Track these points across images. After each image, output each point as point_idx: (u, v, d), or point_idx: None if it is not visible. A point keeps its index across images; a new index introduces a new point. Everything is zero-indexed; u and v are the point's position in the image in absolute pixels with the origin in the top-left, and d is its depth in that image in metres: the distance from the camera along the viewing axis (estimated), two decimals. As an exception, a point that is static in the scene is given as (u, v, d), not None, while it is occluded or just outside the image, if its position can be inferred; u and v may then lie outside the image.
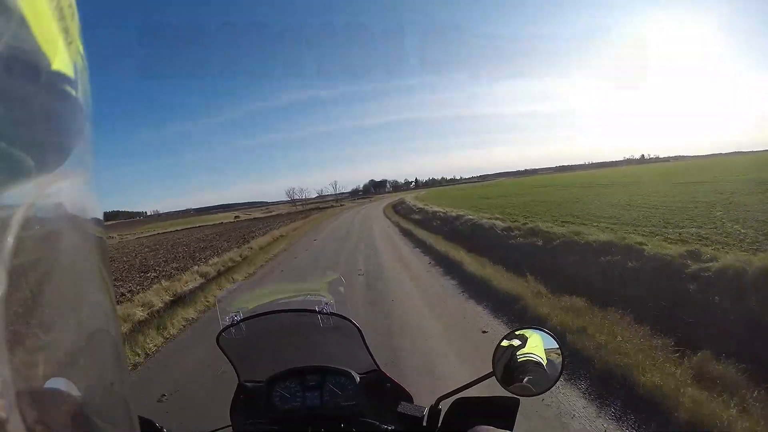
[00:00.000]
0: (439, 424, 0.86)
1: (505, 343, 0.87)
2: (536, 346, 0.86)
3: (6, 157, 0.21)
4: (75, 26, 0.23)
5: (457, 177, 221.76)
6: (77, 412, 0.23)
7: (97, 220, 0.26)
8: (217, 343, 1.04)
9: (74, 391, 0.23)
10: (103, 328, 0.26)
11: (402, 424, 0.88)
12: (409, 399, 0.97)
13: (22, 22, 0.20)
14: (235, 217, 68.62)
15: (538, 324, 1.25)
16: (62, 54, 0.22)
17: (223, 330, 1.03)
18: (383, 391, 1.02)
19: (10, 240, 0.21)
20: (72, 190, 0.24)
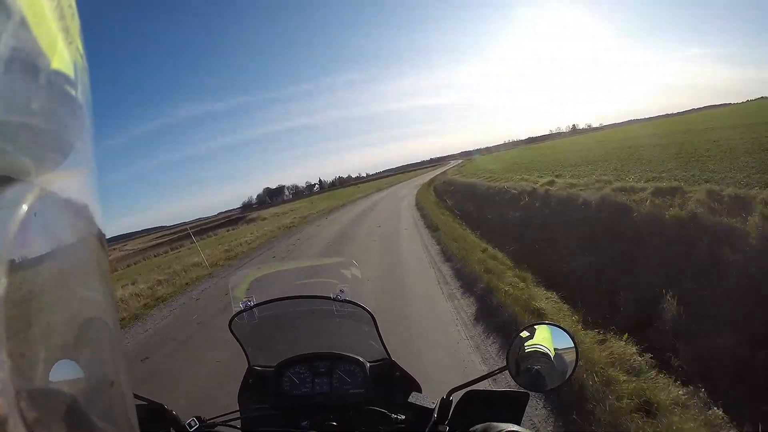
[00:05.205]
0: (450, 416, 0.84)
1: (518, 337, 0.87)
2: (545, 338, 0.87)
3: (6, 157, 0.21)
4: (75, 26, 0.23)
5: (363, 174, 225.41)
6: (77, 412, 0.24)
7: (96, 218, 0.26)
8: (230, 328, 1.03)
9: (79, 374, 0.23)
10: (102, 325, 0.26)
11: (412, 414, 0.86)
12: (418, 389, 0.95)
13: (22, 22, 0.20)
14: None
15: None
16: (62, 54, 0.22)
17: (236, 315, 1.03)
18: (393, 380, 1.00)
19: (10, 239, 0.21)
20: (72, 188, 0.24)
